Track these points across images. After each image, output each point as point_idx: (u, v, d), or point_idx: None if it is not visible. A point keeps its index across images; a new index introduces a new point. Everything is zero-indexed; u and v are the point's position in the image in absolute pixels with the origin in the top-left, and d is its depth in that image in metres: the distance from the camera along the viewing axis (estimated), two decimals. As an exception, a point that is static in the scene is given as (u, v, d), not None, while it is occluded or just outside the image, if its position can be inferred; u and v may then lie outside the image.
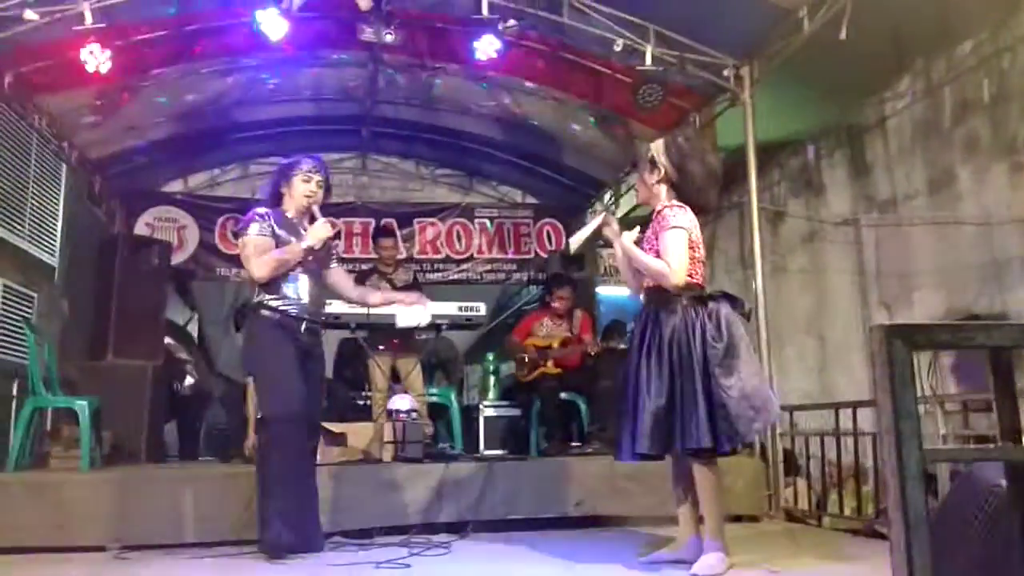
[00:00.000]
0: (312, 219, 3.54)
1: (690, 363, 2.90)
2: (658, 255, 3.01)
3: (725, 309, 2.99)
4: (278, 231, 3.42)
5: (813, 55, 4.65)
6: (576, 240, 3.39)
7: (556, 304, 6.04)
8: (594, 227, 3.29)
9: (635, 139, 6.40)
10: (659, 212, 3.09)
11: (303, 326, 3.43)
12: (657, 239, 3.04)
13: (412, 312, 3.72)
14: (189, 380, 6.93)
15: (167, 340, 6.65)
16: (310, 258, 3.46)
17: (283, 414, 3.30)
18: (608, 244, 3.50)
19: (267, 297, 3.41)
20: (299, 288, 3.45)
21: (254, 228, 3.41)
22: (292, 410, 3.29)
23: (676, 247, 2.98)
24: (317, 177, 3.51)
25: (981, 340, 1.00)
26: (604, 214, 3.34)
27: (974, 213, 4.61)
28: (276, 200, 3.55)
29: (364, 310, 4.94)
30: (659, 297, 3.05)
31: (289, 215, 3.52)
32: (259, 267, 3.37)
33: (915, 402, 0.99)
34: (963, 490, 1.41)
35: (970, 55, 4.65)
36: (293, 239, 3.45)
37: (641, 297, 3.18)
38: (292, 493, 3.28)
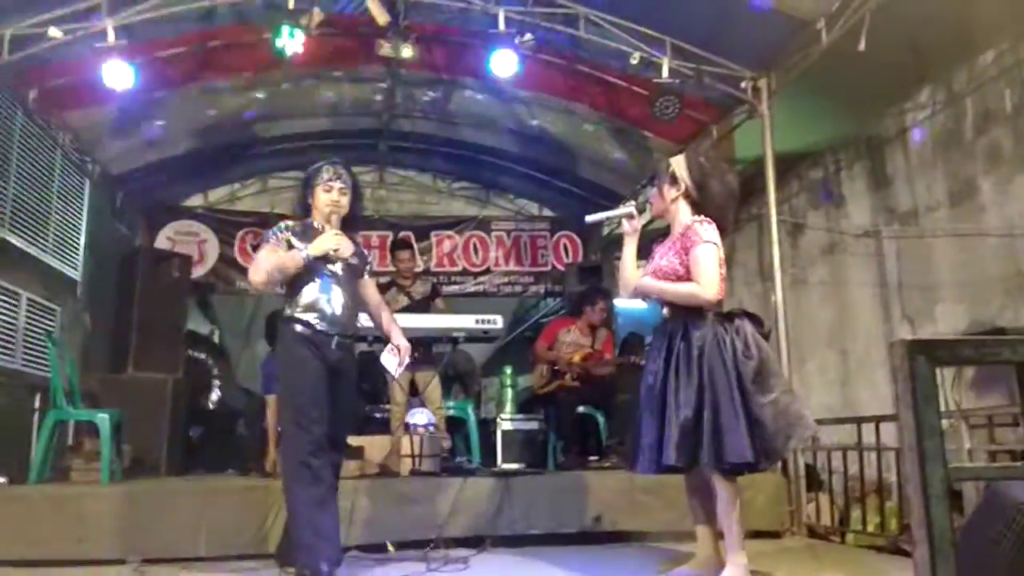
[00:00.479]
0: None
1: (724, 377, 2.87)
2: (685, 268, 3.00)
3: (749, 327, 2.97)
4: (296, 243, 3.28)
5: (832, 66, 4.62)
6: (594, 217, 3.36)
7: (595, 315, 6.01)
8: (618, 214, 3.24)
9: (652, 151, 6.40)
10: (688, 227, 3.05)
11: (334, 342, 3.25)
12: (687, 254, 3.01)
13: (387, 358, 3.44)
14: (216, 394, 6.98)
15: (196, 353, 6.71)
16: (334, 266, 3.30)
17: (305, 437, 3.12)
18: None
19: (297, 309, 3.25)
20: (332, 300, 3.27)
21: (269, 239, 3.33)
22: (315, 434, 3.12)
23: (708, 262, 2.96)
24: (338, 184, 3.35)
25: (1007, 356, 0.98)
26: (632, 207, 3.23)
27: (997, 225, 4.55)
28: (306, 211, 3.44)
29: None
30: (686, 311, 3.02)
31: (316, 225, 3.39)
32: (254, 271, 3.29)
33: (938, 418, 0.97)
34: (989, 508, 1.37)
35: (991, 65, 4.60)
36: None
37: (665, 311, 3.13)
38: (316, 514, 3.12)
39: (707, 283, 2.94)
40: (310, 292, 3.26)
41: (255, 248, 3.67)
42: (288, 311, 3.29)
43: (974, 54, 4.70)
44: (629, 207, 3.23)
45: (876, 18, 4.12)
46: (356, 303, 3.41)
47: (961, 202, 4.85)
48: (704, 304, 2.97)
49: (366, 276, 3.54)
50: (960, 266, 4.85)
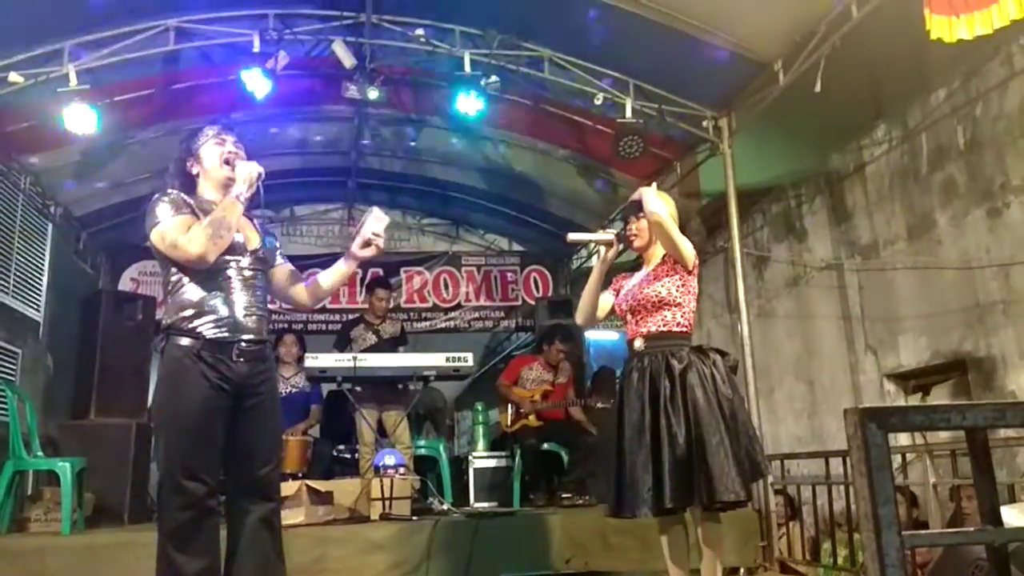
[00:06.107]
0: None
1: (709, 412, 2.84)
2: (661, 296, 3.03)
3: (722, 363, 2.99)
4: (197, 210, 2.60)
5: (791, 104, 4.74)
6: (576, 236, 3.29)
7: (551, 355, 6.03)
8: (600, 239, 3.17)
9: (618, 187, 6.48)
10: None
11: (235, 350, 2.48)
12: (660, 280, 3.05)
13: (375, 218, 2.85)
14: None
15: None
16: (236, 257, 2.60)
17: (176, 500, 2.39)
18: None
19: (180, 316, 2.48)
20: (232, 300, 2.52)
21: (163, 210, 2.53)
22: (192, 495, 2.39)
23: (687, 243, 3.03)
24: (231, 137, 2.74)
25: (956, 421, 1.01)
26: (615, 237, 3.16)
27: (954, 257, 4.66)
28: (187, 186, 2.70)
29: (351, 364, 4.94)
30: (664, 345, 3.00)
31: (209, 198, 2.68)
32: (194, 242, 2.45)
33: (893, 485, 0.98)
34: (949, 562, 1.40)
35: (944, 103, 4.74)
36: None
37: (638, 344, 3.07)
38: None
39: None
40: (195, 290, 2.51)
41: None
42: (167, 319, 2.52)
43: (927, 92, 4.84)
44: (610, 235, 3.16)
45: (831, 58, 4.24)
46: (264, 302, 2.65)
47: (919, 235, 4.96)
48: (687, 249, 2.99)
49: (279, 262, 2.84)
50: (921, 298, 4.95)
